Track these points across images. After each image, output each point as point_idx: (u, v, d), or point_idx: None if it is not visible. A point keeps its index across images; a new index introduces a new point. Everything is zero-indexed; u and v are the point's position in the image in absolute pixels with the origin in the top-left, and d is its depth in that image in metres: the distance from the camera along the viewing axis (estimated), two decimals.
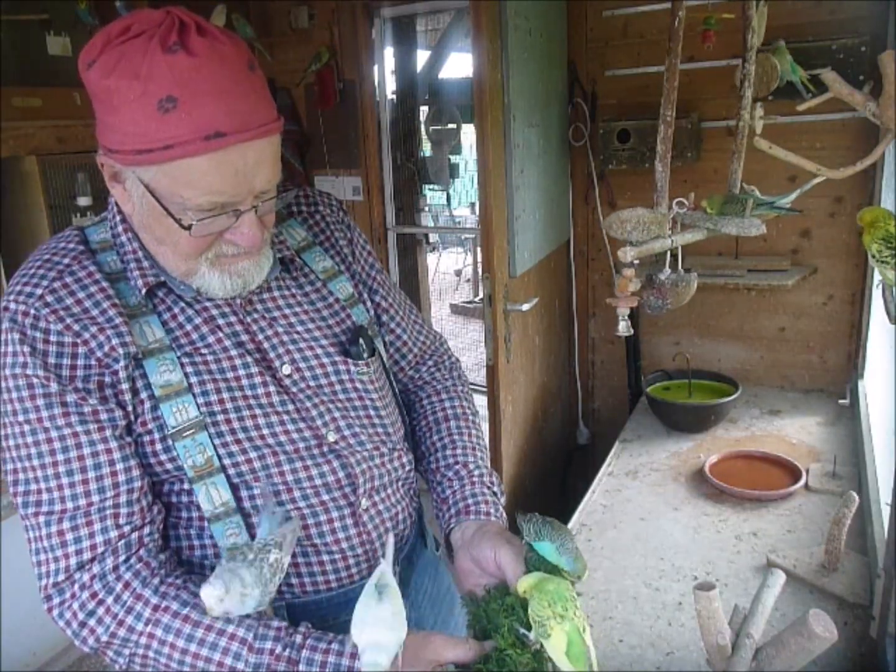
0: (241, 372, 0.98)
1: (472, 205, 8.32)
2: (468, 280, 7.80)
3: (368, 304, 1.15)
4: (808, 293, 2.33)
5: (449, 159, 3.68)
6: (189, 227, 0.87)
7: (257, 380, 0.98)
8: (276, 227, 1.04)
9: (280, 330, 1.03)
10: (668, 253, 1.49)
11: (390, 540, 0.97)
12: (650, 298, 1.52)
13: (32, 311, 0.89)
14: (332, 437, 1.02)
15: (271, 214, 0.97)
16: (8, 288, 0.92)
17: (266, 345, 1.01)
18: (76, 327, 0.90)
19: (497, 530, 1.06)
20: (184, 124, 0.81)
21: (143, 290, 0.95)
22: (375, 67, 2.93)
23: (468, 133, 3.94)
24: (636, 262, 1.41)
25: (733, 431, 2.09)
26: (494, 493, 1.14)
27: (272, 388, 0.99)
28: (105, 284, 0.93)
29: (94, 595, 0.88)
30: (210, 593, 0.83)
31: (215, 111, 0.82)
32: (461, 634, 1.35)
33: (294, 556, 1.00)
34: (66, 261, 0.94)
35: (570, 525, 1.66)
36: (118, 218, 0.98)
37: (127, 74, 0.80)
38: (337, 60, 2.89)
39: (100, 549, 0.89)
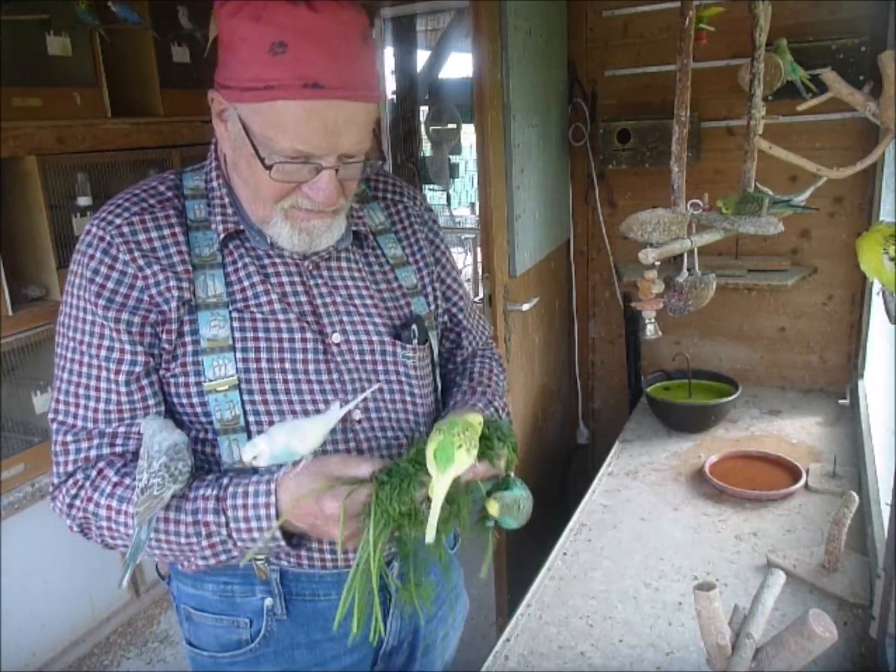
0: (285, 335, 1.02)
1: (472, 205, 8.31)
2: (468, 280, 7.79)
3: (431, 297, 1.18)
4: (808, 293, 2.33)
5: (449, 159, 3.69)
6: (270, 167, 0.92)
7: (298, 345, 1.03)
8: (358, 204, 1.10)
9: (339, 299, 1.07)
10: (685, 254, 1.49)
11: (371, 389, 1.03)
12: (672, 301, 1.52)
13: (108, 238, 0.98)
14: (357, 416, 1.05)
15: (353, 182, 1.01)
16: (97, 213, 1.01)
17: (322, 310, 1.05)
18: (141, 262, 0.98)
19: (468, 408, 1.11)
20: (287, 69, 0.87)
21: (222, 236, 1.01)
22: None
23: (468, 133, 3.94)
24: (658, 263, 1.41)
25: (733, 431, 2.09)
26: (493, 407, 1.17)
27: (311, 356, 1.03)
28: (178, 230, 1.00)
29: (76, 482, 0.99)
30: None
31: (318, 64, 0.88)
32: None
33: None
34: (152, 201, 1.02)
35: (569, 525, 1.66)
36: (214, 164, 1.05)
37: (250, 16, 0.88)
38: None
39: (93, 460, 1.00)
